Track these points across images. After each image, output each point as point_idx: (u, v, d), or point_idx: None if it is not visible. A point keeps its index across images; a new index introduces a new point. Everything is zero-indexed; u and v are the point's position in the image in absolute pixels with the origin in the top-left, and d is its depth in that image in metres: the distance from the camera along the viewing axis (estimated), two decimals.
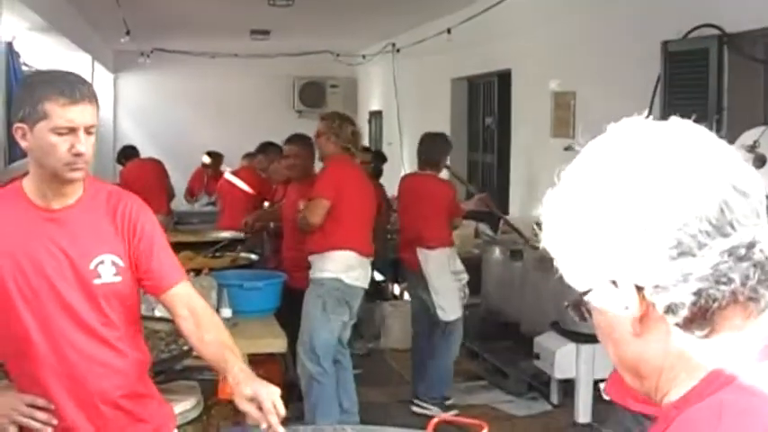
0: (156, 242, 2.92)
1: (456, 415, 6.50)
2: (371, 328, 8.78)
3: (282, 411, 2.60)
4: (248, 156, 10.14)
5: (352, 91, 16.57)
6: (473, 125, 11.22)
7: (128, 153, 11.46)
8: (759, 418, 1.09)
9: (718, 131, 4.43)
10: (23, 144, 2.73)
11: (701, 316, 1.12)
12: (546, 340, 6.38)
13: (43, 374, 2.74)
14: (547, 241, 1.24)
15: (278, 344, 5.32)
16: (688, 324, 1.13)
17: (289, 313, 5.89)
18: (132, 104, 16.10)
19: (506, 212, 8.72)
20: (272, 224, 7.42)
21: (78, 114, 2.65)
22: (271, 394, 2.63)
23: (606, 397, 1.33)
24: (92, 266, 2.76)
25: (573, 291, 1.24)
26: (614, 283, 1.16)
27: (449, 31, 10.26)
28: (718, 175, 1.12)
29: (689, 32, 5.72)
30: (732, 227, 1.11)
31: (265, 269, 6.67)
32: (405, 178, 7.57)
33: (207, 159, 12.48)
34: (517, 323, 7.52)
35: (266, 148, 8.34)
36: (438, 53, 11.12)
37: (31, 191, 2.78)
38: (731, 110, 5.46)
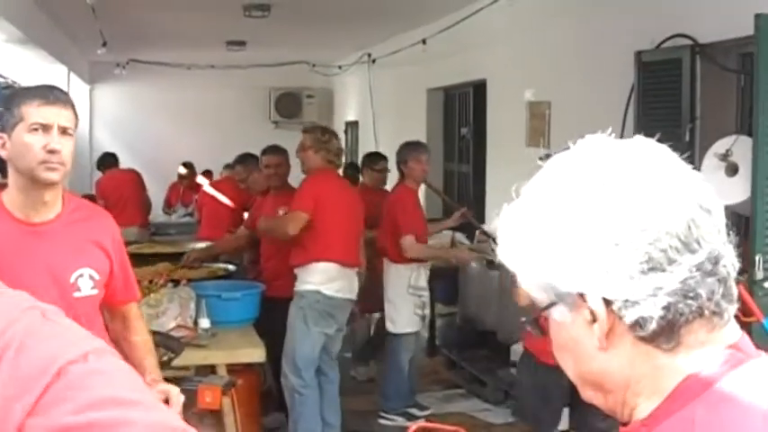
0: (123, 260, 3.06)
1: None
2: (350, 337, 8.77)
3: (177, 408, 2.81)
4: (229, 167, 10.14)
5: (328, 101, 16.59)
6: (449, 135, 11.26)
7: (107, 161, 11.39)
8: None
9: (691, 140, 4.48)
10: (3, 154, 2.75)
11: (669, 330, 1.14)
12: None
13: None
14: (504, 255, 1.24)
15: (256, 354, 5.32)
16: (654, 338, 1.14)
17: (267, 323, 5.89)
18: (108, 116, 16.03)
19: (482, 222, 8.75)
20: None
21: (53, 114, 2.69)
22: (177, 396, 2.85)
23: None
24: (72, 280, 2.79)
25: (529, 307, 1.24)
26: (582, 296, 1.16)
27: (424, 41, 10.29)
28: (686, 193, 1.15)
29: (662, 42, 5.77)
30: (699, 243, 1.13)
31: (244, 279, 6.66)
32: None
33: (183, 170, 12.46)
34: (494, 332, 7.54)
35: (244, 159, 8.34)
36: (414, 64, 11.16)
37: (11, 204, 2.79)
38: (704, 119, 5.51)
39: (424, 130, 11.26)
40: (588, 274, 1.14)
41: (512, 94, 8.51)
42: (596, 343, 1.17)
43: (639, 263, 1.12)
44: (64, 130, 2.71)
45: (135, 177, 11.07)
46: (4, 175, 2.87)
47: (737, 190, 4.65)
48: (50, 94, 2.72)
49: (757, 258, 4.38)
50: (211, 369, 5.08)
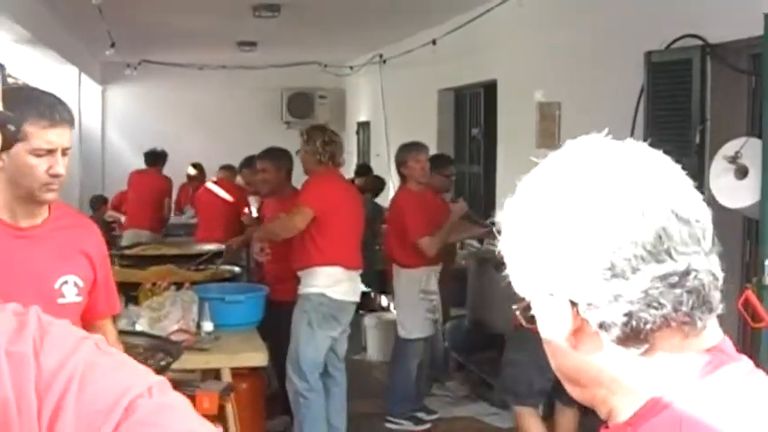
0: (107, 271, 3.03)
1: (428, 429, 6.48)
2: (357, 340, 8.72)
3: None
4: (225, 168, 10.17)
5: (340, 102, 16.54)
6: (460, 136, 11.22)
7: (150, 159, 11.46)
8: None
9: (701, 142, 4.41)
10: None
11: (635, 336, 1.14)
12: None
13: None
14: (503, 247, 1.28)
15: (259, 357, 5.28)
16: (624, 341, 1.15)
17: (271, 326, 5.85)
18: (120, 116, 16.03)
19: (494, 223, 8.66)
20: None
21: (57, 137, 2.66)
22: None
23: None
24: (56, 286, 2.76)
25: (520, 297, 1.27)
26: (552, 295, 1.18)
27: (434, 42, 10.25)
28: (660, 202, 1.13)
29: (672, 43, 5.70)
30: (669, 254, 1.12)
31: (248, 282, 6.62)
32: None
33: (192, 171, 12.46)
34: (502, 335, 7.48)
35: (251, 161, 8.33)
36: (424, 64, 11.12)
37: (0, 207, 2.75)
38: (714, 120, 5.44)
39: (435, 130, 11.22)
40: (555, 275, 1.17)
41: (522, 94, 8.46)
42: (566, 342, 1.20)
43: (602, 269, 1.13)
44: (64, 151, 2.69)
45: (166, 184, 11.31)
46: None
47: (747, 193, 4.54)
48: (56, 113, 2.66)
49: (766, 263, 4.29)
50: (215, 372, 5.06)
